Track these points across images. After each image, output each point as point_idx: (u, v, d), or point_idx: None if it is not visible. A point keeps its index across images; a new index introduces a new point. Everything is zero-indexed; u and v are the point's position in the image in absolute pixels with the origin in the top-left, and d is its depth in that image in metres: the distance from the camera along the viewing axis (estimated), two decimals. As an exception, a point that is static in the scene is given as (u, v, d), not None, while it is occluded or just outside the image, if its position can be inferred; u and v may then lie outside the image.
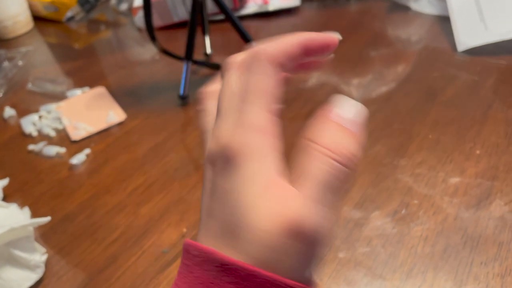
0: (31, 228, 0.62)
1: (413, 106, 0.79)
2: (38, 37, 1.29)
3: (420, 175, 0.65)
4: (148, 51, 1.12)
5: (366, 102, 0.83)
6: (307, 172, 0.22)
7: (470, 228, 0.57)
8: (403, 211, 0.60)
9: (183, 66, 0.89)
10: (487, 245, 0.55)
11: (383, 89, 0.85)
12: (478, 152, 0.67)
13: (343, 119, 0.23)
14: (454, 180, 0.63)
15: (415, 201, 0.61)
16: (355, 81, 0.88)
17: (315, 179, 0.21)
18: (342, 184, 0.22)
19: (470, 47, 0.88)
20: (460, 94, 0.79)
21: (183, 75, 0.88)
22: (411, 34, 1.02)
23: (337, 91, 0.87)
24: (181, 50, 0.91)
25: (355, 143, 0.23)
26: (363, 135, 0.23)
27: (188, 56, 0.87)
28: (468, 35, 0.89)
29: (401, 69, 0.90)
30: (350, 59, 0.96)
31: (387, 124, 0.76)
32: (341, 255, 0.56)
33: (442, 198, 0.61)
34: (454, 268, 0.53)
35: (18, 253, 0.58)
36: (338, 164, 0.21)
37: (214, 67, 0.96)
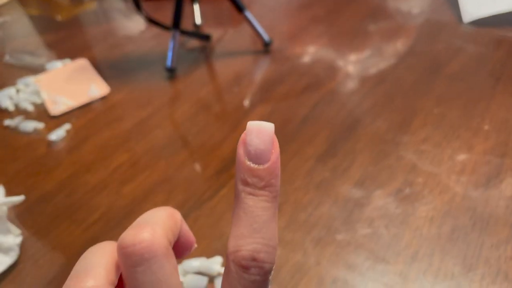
0: (4, 208, 0.57)
1: (416, 80, 0.74)
2: (17, 8, 1.21)
3: (425, 152, 0.61)
4: (134, 22, 1.05)
5: (365, 77, 0.78)
6: None
7: (479, 208, 0.53)
8: (407, 190, 0.56)
9: (171, 36, 0.83)
10: (498, 226, 0.50)
11: (383, 63, 0.80)
12: (486, 127, 0.63)
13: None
14: (462, 157, 0.59)
15: (420, 180, 0.57)
16: (353, 56, 0.83)
17: None
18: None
19: (477, 18, 0.83)
20: (466, 67, 0.74)
21: (170, 45, 0.82)
22: (412, 6, 0.96)
23: (333, 66, 0.82)
24: (168, 21, 0.85)
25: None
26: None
27: (176, 24, 0.81)
28: (475, 5, 0.84)
29: (402, 42, 0.84)
30: (348, 32, 0.91)
31: (388, 99, 0.71)
32: (340, 237, 0.52)
33: (449, 176, 0.57)
34: (463, 251, 0.49)
35: (-12, 235, 0.53)
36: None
37: (204, 38, 0.90)
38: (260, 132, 0.23)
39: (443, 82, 0.72)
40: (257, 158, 0.23)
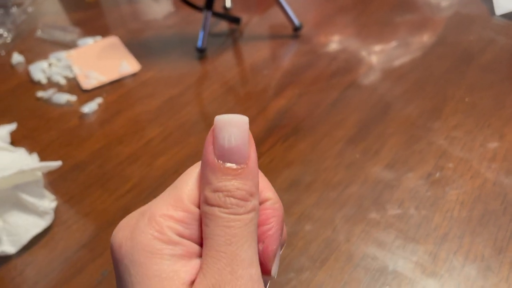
0: (39, 173, 0.59)
1: (447, 69, 0.74)
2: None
3: (456, 139, 0.61)
4: (163, 3, 1.06)
5: (395, 65, 0.78)
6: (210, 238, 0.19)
7: (510, 194, 0.53)
8: (438, 174, 0.56)
9: (203, 16, 0.83)
10: (529, 212, 0.51)
11: (414, 52, 0.80)
12: (518, 117, 0.63)
13: (223, 156, 0.19)
14: (493, 145, 0.59)
15: (450, 165, 0.57)
16: (382, 45, 0.83)
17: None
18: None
19: (510, 11, 0.82)
20: (498, 59, 0.74)
21: (202, 26, 0.83)
22: (443, -2, 0.96)
23: (363, 54, 0.82)
24: (199, 2, 0.86)
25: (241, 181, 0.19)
26: (252, 150, 0.20)
27: (208, 5, 0.81)
28: (508, -2, 0.83)
29: (432, 33, 0.84)
30: (377, 23, 0.91)
31: (419, 86, 0.71)
32: (370, 216, 0.53)
33: (480, 163, 0.57)
34: (493, 234, 0.49)
35: (26, 197, 0.55)
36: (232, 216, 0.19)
37: (234, 21, 0.91)
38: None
39: (475, 72, 0.72)
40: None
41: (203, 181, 0.20)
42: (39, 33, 0.96)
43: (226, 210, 0.19)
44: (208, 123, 0.71)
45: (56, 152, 0.68)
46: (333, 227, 0.52)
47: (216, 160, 0.19)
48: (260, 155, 0.63)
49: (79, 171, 0.65)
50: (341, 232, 0.52)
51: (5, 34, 0.96)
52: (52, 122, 0.74)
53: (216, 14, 0.88)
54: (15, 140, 0.70)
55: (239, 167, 0.19)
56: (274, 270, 0.21)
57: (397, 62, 0.78)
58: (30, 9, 1.05)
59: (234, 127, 0.19)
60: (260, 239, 0.21)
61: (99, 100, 0.76)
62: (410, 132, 0.63)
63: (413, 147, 0.61)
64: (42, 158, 0.66)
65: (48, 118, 0.75)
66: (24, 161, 0.61)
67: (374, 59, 0.80)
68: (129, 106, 0.76)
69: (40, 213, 0.57)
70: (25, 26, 1.01)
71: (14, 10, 1.02)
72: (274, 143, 0.65)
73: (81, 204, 0.60)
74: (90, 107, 0.74)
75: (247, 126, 0.20)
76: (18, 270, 0.53)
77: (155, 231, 0.19)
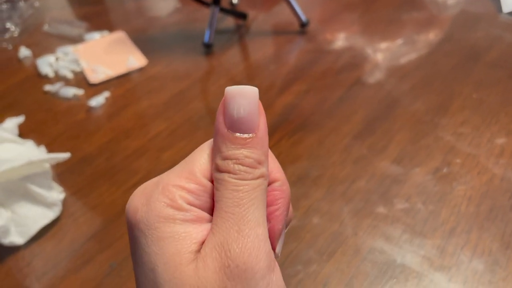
0: (48, 165, 0.59)
1: (454, 66, 0.74)
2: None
3: (463, 134, 0.61)
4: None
5: (402, 62, 0.78)
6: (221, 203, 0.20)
7: (518, 190, 0.53)
8: (445, 170, 0.56)
9: (210, 12, 0.84)
10: (537, 208, 0.51)
11: (420, 49, 0.80)
12: (526, 114, 0.63)
13: (232, 126, 0.20)
14: (500, 140, 0.59)
15: (458, 160, 0.57)
16: (389, 42, 0.83)
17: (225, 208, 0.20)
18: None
19: (517, 9, 0.82)
20: (505, 55, 0.74)
21: (210, 21, 0.83)
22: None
23: (370, 50, 0.82)
24: (207, -4, 0.86)
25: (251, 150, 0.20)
26: (262, 120, 0.20)
27: (216, 1, 0.81)
28: (516, -5, 0.83)
29: (438, 30, 0.84)
30: (383, 20, 0.91)
31: (426, 83, 0.71)
32: (377, 210, 0.53)
33: (488, 158, 0.57)
34: (501, 229, 0.49)
35: (35, 188, 0.55)
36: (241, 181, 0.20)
37: (241, 17, 0.91)
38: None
39: (482, 69, 0.72)
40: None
41: (215, 149, 0.21)
42: (46, 27, 0.96)
43: (235, 176, 0.20)
44: (214, 118, 0.71)
45: (64, 145, 0.68)
46: (341, 221, 0.52)
47: (226, 130, 0.20)
48: (267, 149, 0.63)
49: (86, 164, 0.65)
50: (349, 226, 0.52)
51: (13, 28, 0.96)
52: (59, 115, 0.74)
53: (223, 10, 0.88)
54: (23, 133, 0.70)
55: (248, 136, 0.20)
56: (279, 248, 0.22)
57: (404, 59, 0.78)
58: (37, 4, 1.05)
59: (243, 98, 0.20)
60: (267, 219, 0.21)
61: (106, 94, 0.76)
62: (417, 128, 0.63)
63: (420, 142, 0.61)
64: (50, 150, 0.66)
65: (55, 112, 0.75)
66: (32, 153, 0.62)
67: (380, 56, 0.80)
68: (136, 100, 0.76)
69: (48, 204, 0.57)
70: (32, 20, 1.01)
71: (21, 4, 1.02)
72: (281, 138, 0.65)
73: (88, 197, 0.60)
74: (97, 101, 0.74)
75: (257, 97, 0.20)
76: (26, 260, 0.53)
77: (168, 199, 0.20)
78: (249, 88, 0.20)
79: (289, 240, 0.51)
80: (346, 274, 0.47)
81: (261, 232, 0.20)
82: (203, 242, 0.20)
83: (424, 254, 0.48)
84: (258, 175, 0.20)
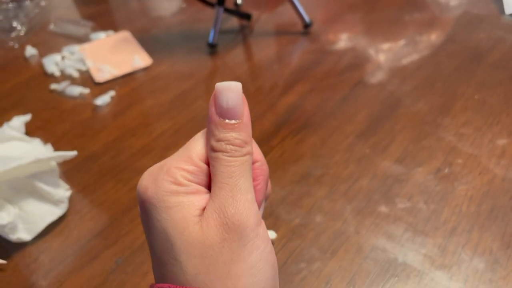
0: (54, 163, 0.60)
1: (457, 67, 0.74)
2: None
3: (465, 135, 0.61)
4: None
5: (404, 62, 0.78)
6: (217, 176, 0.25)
7: (519, 190, 0.54)
8: (447, 170, 0.57)
9: (215, 12, 0.84)
10: (538, 208, 0.51)
11: (423, 50, 0.80)
12: (527, 115, 0.63)
13: (223, 114, 0.25)
14: (502, 141, 0.60)
15: (460, 161, 0.58)
16: (391, 43, 0.84)
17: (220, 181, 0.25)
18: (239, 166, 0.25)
19: (520, 10, 0.83)
20: (508, 57, 0.74)
21: (214, 21, 0.84)
22: (452, -3, 0.96)
23: (373, 51, 0.82)
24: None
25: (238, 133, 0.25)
26: (245, 109, 0.25)
27: (221, 1, 0.82)
28: (519, -3, 0.84)
29: (441, 31, 0.85)
30: (385, 21, 0.91)
31: (429, 83, 0.72)
32: (379, 209, 0.53)
33: (489, 159, 0.58)
34: (502, 229, 0.50)
35: (42, 186, 0.56)
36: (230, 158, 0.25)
37: (245, 17, 0.92)
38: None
39: (484, 70, 0.72)
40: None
41: (209, 133, 0.25)
42: (52, 26, 0.97)
43: (227, 154, 0.24)
44: (219, 117, 0.72)
45: (70, 143, 0.69)
46: (343, 219, 0.53)
47: (218, 118, 0.25)
48: (270, 148, 0.64)
49: (92, 162, 0.66)
50: (351, 224, 0.52)
51: (19, 27, 0.97)
52: (65, 114, 0.75)
53: (228, 10, 0.89)
54: (30, 131, 0.71)
55: (235, 122, 0.25)
56: (260, 214, 0.27)
57: (406, 60, 0.78)
58: (43, 3, 1.06)
59: (231, 92, 0.25)
60: None
61: (111, 93, 0.77)
62: (419, 128, 0.63)
63: (423, 142, 0.61)
64: (56, 149, 0.67)
65: (61, 110, 0.76)
66: (39, 151, 0.63)
67: (382, 57, 0.80)
68: (141, 99, 0.77)
69: (55, 202, 0.58)
70: (38, 19, 1.02)
71: (27, 3, 1.03)
72: (285, 137, 0.65)
73: (94, 194, 0.61)
74: (103, 100, 0.75)
75: (241, 90, 0.25)
76: (33, 257, 0.54)
77: (172, 178, 0.25)
78: (234, 83, 0.25)
79: (293, 238, 0.51)
80: (349, 271, 0.48)
81: (250, 197, 0.24)
82: (203, 209, 0.24)
83: (425, 252, 0.48)
84: (245, 152, 0.25)
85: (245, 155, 0.25)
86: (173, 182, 0.24)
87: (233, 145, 0.24)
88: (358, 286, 0.46)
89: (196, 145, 0.26)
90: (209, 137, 0.25)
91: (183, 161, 0.25)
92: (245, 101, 0.25)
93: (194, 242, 0.23)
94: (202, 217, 0.24)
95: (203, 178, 0.25)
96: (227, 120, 0.25)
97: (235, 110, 0.25)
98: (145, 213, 0.25)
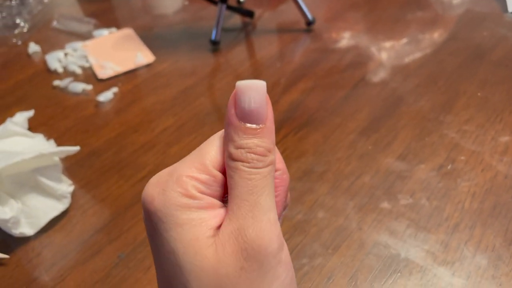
0: (57, 158, 0.60)
1: (459, 64, 0.74)
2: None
3: (468, 132, 0.61)
4: (177, -3, 1.07)
5: (407, 60, 0.78)
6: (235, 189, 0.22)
7: (521, 187, 0.54)
8: (449, 166, 0.57)
9: (217, 10, 0.84)
10: (540, 205, 0.51)
11: (425, 48, 0.80)
12: (530, 113, 0.63)
13: (244, 117, 0.22)
14: (504, 138, 0.60)
15: (462, 158, 0.58)
16: (394, 41, 0.84)
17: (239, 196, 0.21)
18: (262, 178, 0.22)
19: (523, 8, 0.83)
20: (510, 54, 0.74)
21: (217, 19, 0.84)
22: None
23: (375, 49, 0.82)
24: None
25: (261, 140, 0.22)
26: (269, 111, 0.22)
27: (224, -2, 0.82)
28: (522, -5, 0.84)
29: (443, 29, 0.85)
30: (388, 19, 0.91)
31: (431, 81, 0.72)
32: (382, 205, 0.53)
33: (492, 156, 0.58)
34: (504, 225, 0.50)
35: (45, 181, 0.56)
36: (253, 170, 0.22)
37: (248, 14, 0.92)
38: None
39: (487, 68, 0.72)
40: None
41: (227, 138, 0.22)
42: (55, 23, 0.98)
43: (248, 165, 0.21)
44: (220, 114, 0.72)
45: (73, 139, 0.69)
46: (345, 216, 0.53)
47: (238, 121, 0.21)
48: (273, 145, 0.64)
49: (95, 157, 0.66)
50: (353, 221, 0.52)
51: (22, 24, 0.97)
52: (68, 110, 0.75)
53: (230, 8, 0.89)
54: (33, 127, 0.71)
55: (258, 127, 0.21)
56: None
57: (408, 58, 0.78)
58: (46, 0, 1.06)
59: (253, 91, 0.21)
60: None
61: (114, 90, 0.77)
62: (422, 125, 0.63)
63: (425, 139, 0.61)
64: (59, 144, 0.68)
65: (64, 106, 0.76)
66: (43, 146, 0.63)
67: (385, 55, 0.80)
68: (144, 96, 0.77)
69: (58, 197, 0.58)
70: (41, 16, 1.03)
71: (30, 0, 1.03)
72: (287, 134, 0.66)
73: (97, 190, 0.61)
74: (105, 96, 0.75)
75: (265, 89, 0.21)
76: (36, 251, 0.54)
77: (182, 189, 0.21)
78: (258, 82, 0.21)
79: (295, 234, 0.51)
80: (351, 267, 0.48)
81: (272, 216, 0.21)
82: (217, 227, 0.21)
83: (428, 249, 0.48)
84: (268, 162, 0.22)
85: (268, 165, 0.22)
86: (183, 194, 0.21)
87: (255, 153, 0.21)
88: (360, 281, 0.46)
89: (211, 150, 0.23)
90: (227, 142, 0.22)
91: (195, 168, 0.22)
92: (269, 102, 0.22)
93: (208, 269, 0.20)
94: (217, 238, 0.21)
95: (217, 189, 0.22)
96: (248, 124, 0.21)
97: (259, 112, 0.21)
98: (151, 226, 0.22)
